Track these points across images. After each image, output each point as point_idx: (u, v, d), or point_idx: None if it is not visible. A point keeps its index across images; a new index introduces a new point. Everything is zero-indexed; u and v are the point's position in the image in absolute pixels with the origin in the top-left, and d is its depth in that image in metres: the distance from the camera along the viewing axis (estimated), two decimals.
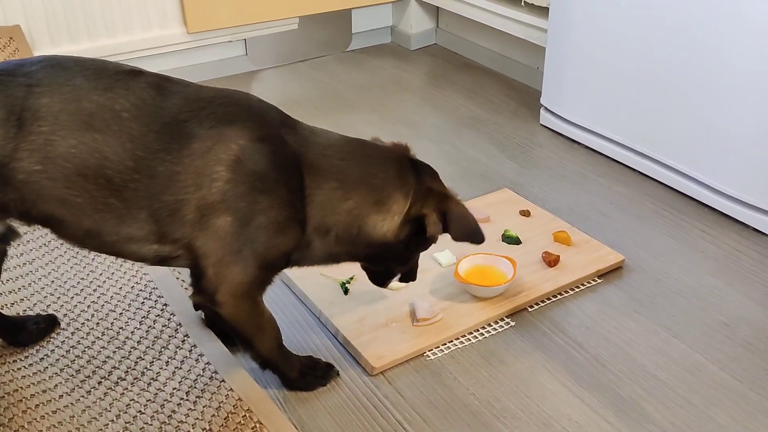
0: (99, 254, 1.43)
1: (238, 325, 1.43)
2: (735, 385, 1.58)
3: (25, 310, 1.73)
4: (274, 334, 1.50)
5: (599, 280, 1.88)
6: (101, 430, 1.44)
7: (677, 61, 2.13)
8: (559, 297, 1.82)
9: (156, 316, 1.73)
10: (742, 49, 1.97)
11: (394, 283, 1.77)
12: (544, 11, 2.75)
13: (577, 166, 2.42)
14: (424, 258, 1.69)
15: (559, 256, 1.89)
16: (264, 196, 1.32)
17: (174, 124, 1.29)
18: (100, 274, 1.87)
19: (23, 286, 1.80)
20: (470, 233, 1.49)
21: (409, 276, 1.64)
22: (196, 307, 1.72)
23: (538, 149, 2.54)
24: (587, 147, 2.51)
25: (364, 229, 1.42)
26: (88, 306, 1.76)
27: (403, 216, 1.43)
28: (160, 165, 1.28)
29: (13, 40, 2.58)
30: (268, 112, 1.40)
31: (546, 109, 2.65)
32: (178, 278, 1.85)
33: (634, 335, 1.71)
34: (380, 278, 1.63)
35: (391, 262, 1.56)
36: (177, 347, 1.64)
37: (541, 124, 2.68)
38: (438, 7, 3.34)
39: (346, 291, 1.80)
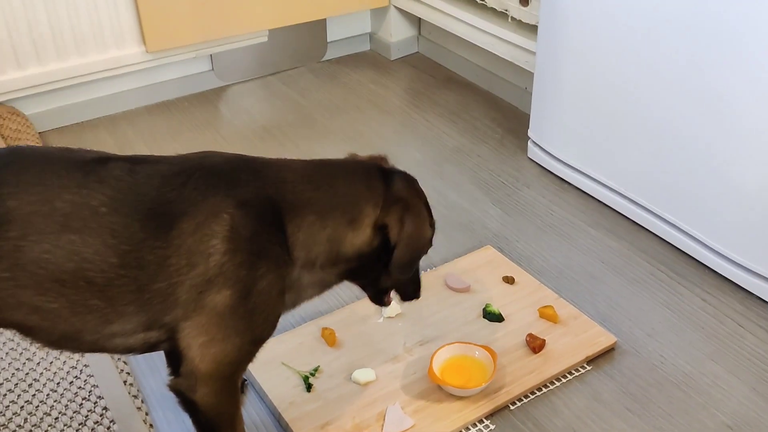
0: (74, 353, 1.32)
1: (215, 416, 1.29)
2: None
3: None
4: None
5: (588, 367, 1.71)
6: None
7: (678, 102, 1.91)
8: (544, 390, 1.65)
9: (95, 422, 1.55)
10: (751, 92, 1.75)
11: (390, 309, 1.74)
12: (533, 30, 2.53)
13: (566, 212, 2.23)
14: (386, 350, 1.68)
15: (544, 341, 1.71)
16: (262, 260, 1.24)
17: (158, 208, 1.20)
18: (38, 364, 1.69)
19: None
20: (403, 264, 1.39)
21: (408, 293, 1.54)
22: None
23: (525, 190, 2.34)
24: (578, 188, 2.32)
25: (341, 249, 1.36)
26: (21, 407, 1.59)
27: (372, 226, 1.38)
28: (149, 253, 1.18)
29: None
30: (240, 169, 1.30)
31: (534, 143, 2.45)
32: (121, 372, 1.67)
33: None
34: (377, 295, 1.54)
35: (375, 273, 1.47)
36: None
37: (529, 158, 2.48)
38: (420, 17, 3.10)
39: (309, 387, 1.62)
